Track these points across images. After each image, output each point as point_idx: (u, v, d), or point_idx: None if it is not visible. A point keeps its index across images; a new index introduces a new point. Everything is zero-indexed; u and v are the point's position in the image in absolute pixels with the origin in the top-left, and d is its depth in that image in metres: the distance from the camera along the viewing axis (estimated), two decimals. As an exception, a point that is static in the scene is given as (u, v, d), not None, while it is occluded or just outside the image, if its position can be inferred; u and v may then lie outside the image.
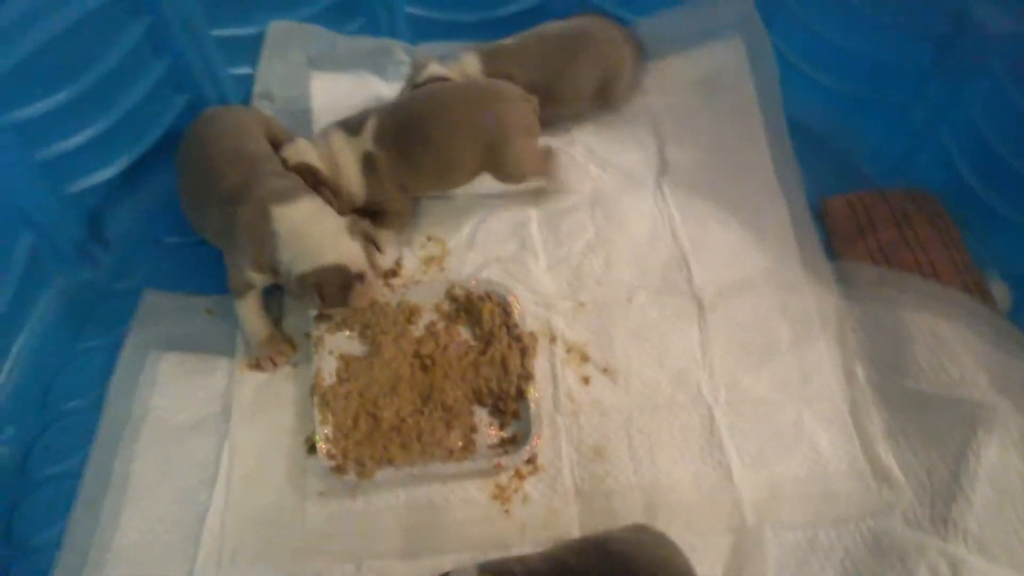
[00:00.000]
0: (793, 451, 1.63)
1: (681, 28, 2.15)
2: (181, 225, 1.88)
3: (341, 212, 1.81)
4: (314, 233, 1.60)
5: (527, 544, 1.54)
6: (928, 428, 1.62)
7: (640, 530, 1.42)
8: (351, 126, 1.84)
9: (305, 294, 1.62)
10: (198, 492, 1.60)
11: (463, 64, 1.99)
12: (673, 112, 2.12)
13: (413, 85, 1.96)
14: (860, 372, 1.72)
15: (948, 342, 1.69)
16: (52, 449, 1.69)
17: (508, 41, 2.04)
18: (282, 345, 1.75)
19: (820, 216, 1.96)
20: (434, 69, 1.97)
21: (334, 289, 1.61)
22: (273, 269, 1.63)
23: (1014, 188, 1.82)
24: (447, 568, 1.49)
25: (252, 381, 1.73)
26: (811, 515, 1.56)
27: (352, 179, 1.80)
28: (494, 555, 1.52)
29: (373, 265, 1.67)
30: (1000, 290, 1.83)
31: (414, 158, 1.81)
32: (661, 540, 1.40)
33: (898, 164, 2.05)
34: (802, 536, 1.53)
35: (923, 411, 1.64)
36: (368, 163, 1.80)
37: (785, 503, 1.58)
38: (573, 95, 2.05)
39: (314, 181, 1.76)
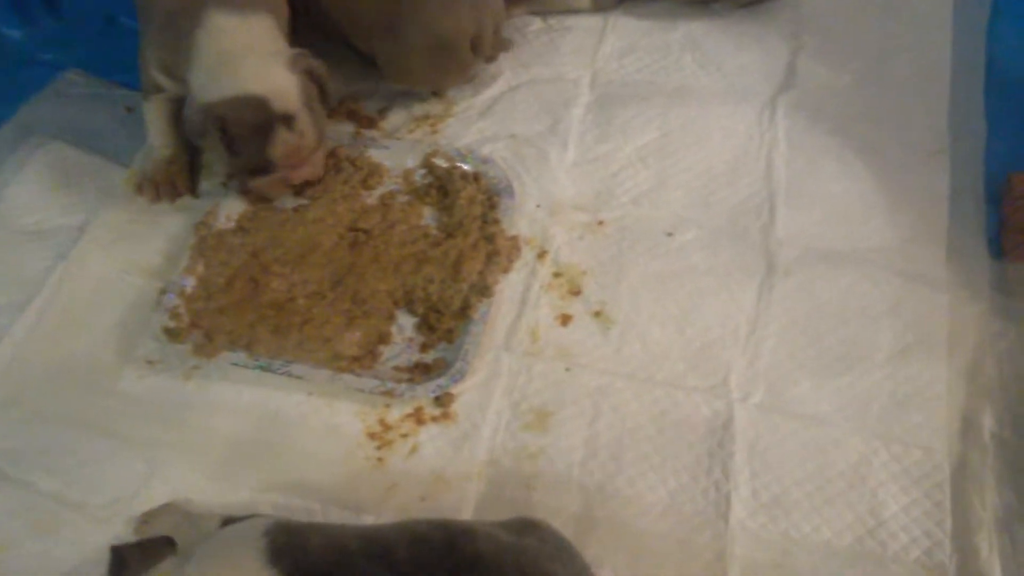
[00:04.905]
0: (840, 508, 1.10)
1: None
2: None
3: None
4: (240, 56, 1.21)
5: (388, 513, 1.10)
6: (1073, 533, 1.04)
7: (526, 529, 0.94)
8: None
9: (205, 137, 1.25)
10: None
11: None
12: (829, 15, 1.61)
13: None
14: (987, 424, 1.15)
15: None
16: None
17: None
18: (179, 178, 1.38)
19: (998, 197, 1.38)
20: None
21: (245, 131, 1.21)
22: (185, 85, 1.26)
23: None
24: (261, 510, 1.08)
25: (132, 202, 1.37)
26: (838, 611, 1.03)
27: None
28: (335, 515, 1.10)
29: (313, 112, 1.26)
30: None
31: None
32: (555, 551, 0.92)
33: None
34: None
35: (1073, 506, 1.06)
36: None
37: (801, 581, 1.05)
38: None
39: None
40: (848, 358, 1.22)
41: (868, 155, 1.42)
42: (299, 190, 1.34)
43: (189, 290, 1.24)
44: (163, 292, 1.25)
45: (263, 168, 1.27)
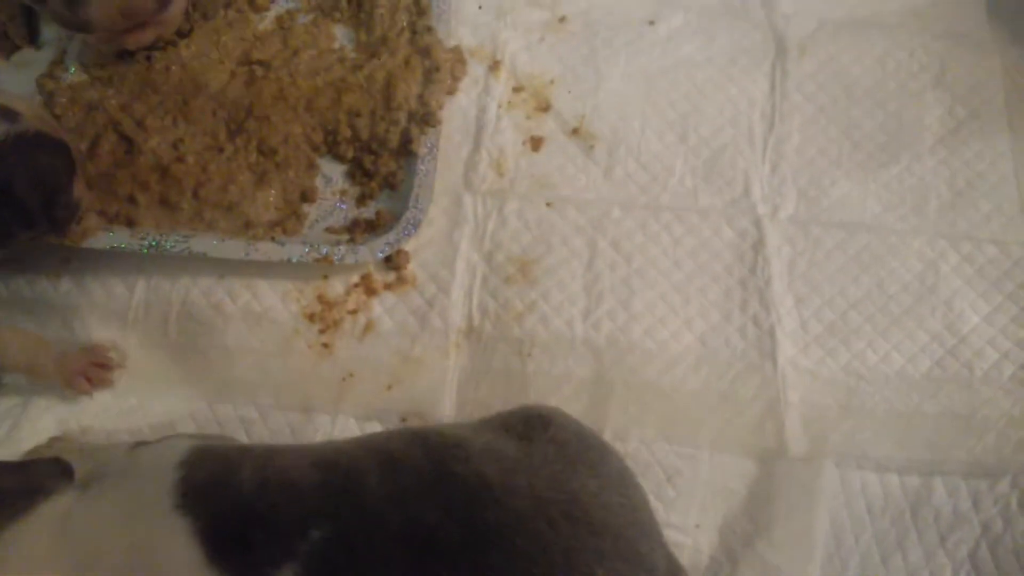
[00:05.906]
0: (911, 327, 0.91)
1: None
2: None
3: None
4: None
5: (347, 410, 0.88)
6: None
7: (533, 427, 0.71)
8: None
9: None
10: None
11: None
12: None
13: None
14: (1071, 202, 0.96)
15: None
16: None
17: None
18: (11, 26, 1.10)
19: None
20: None
21: None
22: None
23: None
24: (181, 428, 0.84)
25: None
26: (924, 451, 0.86)
27: None
28: (278, 421, 0.87)
29: None
30: None
31: None
32: (578, 453, 0.69)
33: None
34: (898, 488, 0.85)
35: None
36: None
37: (873, 422, 0.87)
38: None
39: None
40: (892, 146, 1.00)
41: None
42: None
43: (41, 163, 0.96)
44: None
45: (79, 26, 0.96)
